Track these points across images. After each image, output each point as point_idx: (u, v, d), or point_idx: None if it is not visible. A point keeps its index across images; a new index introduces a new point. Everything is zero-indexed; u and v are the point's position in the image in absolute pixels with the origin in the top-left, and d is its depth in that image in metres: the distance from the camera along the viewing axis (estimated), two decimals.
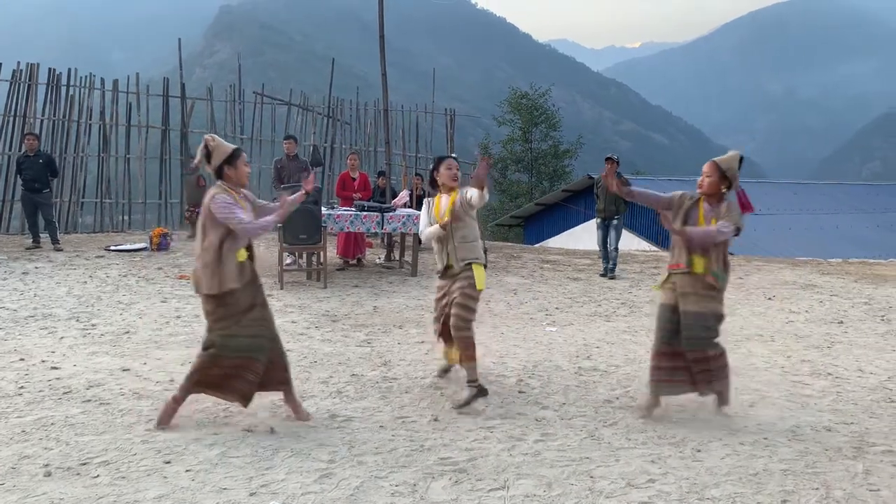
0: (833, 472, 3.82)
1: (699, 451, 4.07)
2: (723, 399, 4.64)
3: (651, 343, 4.78)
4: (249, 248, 4.29)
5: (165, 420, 4.19)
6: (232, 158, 4.21)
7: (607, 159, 10.69)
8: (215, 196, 4.12)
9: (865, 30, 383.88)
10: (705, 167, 4.60)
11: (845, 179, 51.54)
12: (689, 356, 4.50)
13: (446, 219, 4.75)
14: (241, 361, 4.14)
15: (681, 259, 4.57)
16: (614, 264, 10.73)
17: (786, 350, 6.50)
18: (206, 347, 4.19)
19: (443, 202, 4.89)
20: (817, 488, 3.61)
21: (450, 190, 4.88)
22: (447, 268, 4.87)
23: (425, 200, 5.05)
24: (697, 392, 4.59)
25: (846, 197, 33.28)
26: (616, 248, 10.75)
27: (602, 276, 10.73)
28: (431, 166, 5.01)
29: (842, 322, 7.86)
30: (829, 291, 9.81)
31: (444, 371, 5.32)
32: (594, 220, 11.40)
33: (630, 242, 23.64)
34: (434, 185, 5.00)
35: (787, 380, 5.56)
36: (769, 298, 9.17)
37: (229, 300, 4.13)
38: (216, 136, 4.31)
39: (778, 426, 4.49)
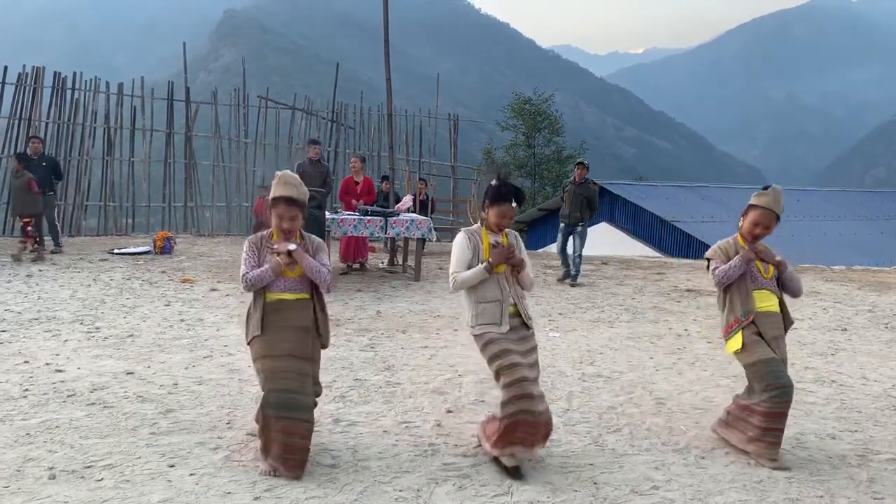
0: (837, 479, 3.81)
1: (703, 458, 4.06)
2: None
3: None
4: (314, 294, 3.87)
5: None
6: (273, 203, 3.80)
7: (578, 164, 10.71)
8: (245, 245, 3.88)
9: (868, 37, 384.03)
10: (763, 219, 4.10)
11: (848, 186, 51.54)
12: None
13: (501, 268, 3.86)
14: (284, 425, 3.64)
15: (747, 306, 4.09)
16: (577, 272, 10.37)
17: (789, 357, 6.47)
18: (262, 404, 3.75)
19: (491, 240, 3.97)
20: (821, 496, 3.60)
21: (499, 230, 4.00)
22: (516, 325, 3.87)
23: (467, 236, 3.96)
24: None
25: (849, 204, 33.27)
26: (580, 255, 10.42)
27: (560, 280, 10.43)
28: (484, 195, 4.02)
29: (846, 329, 7.85)
30: (833, 299, 9.80)
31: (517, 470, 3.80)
32: (598, 224, 11.37)
33: (633, 248, 23.63)
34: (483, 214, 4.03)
35: None
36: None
37: (268, 338, 3.74)
38: (289, 174, 3.84)
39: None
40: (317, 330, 3.86)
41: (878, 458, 4.14)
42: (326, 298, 3.96)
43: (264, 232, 3.92)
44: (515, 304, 3.87)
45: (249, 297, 3.87)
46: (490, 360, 3.78)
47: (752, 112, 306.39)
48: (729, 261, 4.14)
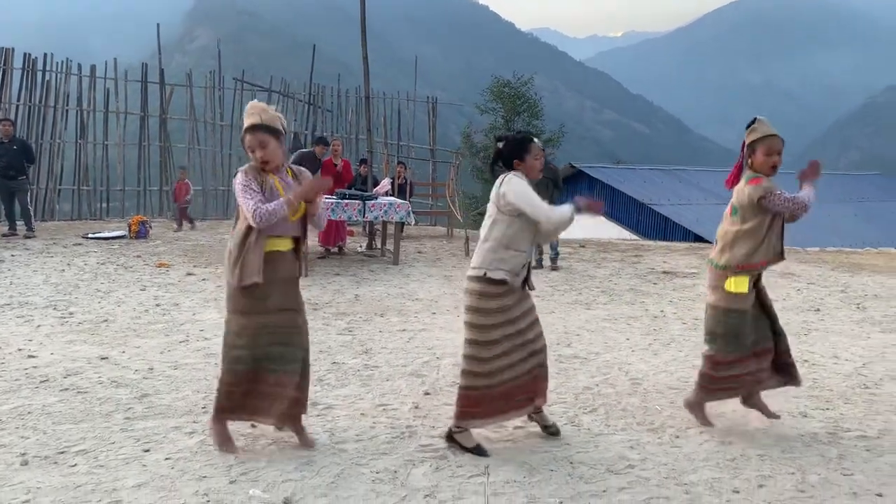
0: (808, 456, 3.88)
1: (678, 437, 4.11)
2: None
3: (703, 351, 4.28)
4: (297, 240, 3.74)
5: (223, 443, 3.71)
6: (242, 139, 3.66)
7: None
8: (236, 176, 3.64)
9: (843, 21, 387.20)
10: (773, 144, 4.01)
11: (823, 169, 52.09)
12: (781, 347, 4.20)
13: (581, 203, 3.84)
14: (279, 377, 3.63)
15: (780, 246, 4.03)
16: (556, 254, 10.30)
17: None
18: (225, 357, 3.69)
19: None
20: (793, 473, 3.66)
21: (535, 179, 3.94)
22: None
23: (522, 176, 3.84)
24: (792, 384, 4.30)
25: (824, 187, 33.39)
26: (557, 238, 10.22)
27: (535, 267, 10.19)
28: (510, 146, 3.90)
29: (818, 310, 7.96)
30: (807, 280, 9.93)
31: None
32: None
33: (611, 231, 23.77)
34: (508, 164, 3.92)
35: None
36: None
37: (259, 293, 3.59)
38: (252, 104, 3.69)
39: (755, 412, 4.54)
40: (298, 274, 3.79)
41: (848, 436, 4.21)
42: (305, 282, 3.89)
43: (253, 162, 3.66)
44: (530, 261, 3.89)
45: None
46: (471, 330, 3.76)
47: (730, 96, 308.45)
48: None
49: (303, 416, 3.82)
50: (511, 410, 3.86)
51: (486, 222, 3.83)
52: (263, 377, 3.66)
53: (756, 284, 4.15)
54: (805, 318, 7.54)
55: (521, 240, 3.77)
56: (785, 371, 4.27)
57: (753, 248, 4.00)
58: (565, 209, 3.73)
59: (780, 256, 4.08)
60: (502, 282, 3.71)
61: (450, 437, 3.86)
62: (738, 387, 4.21)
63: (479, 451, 3.76)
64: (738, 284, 4.03)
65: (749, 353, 4.14)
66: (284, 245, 3.68)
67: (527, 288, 3.91)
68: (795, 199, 3.97)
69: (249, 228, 3.55)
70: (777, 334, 4.24)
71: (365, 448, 3.82)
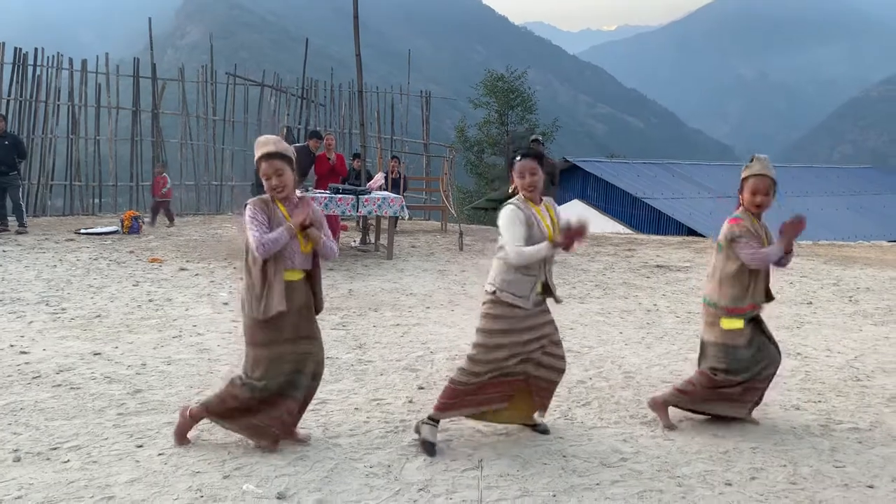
0: (800, 449, 3.89)
1: (670, 430, 4.12)
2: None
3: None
4: (312, 267, 3.74)
5: (181, 437, 3.75)
6: (256, 166, 3.64)
7: (533, 141, 10.68)
8: (245, 209, 3.64)
9: (836, 15, 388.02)
10: (758, 184, 3.99)
11: (816, 162, 52.28)
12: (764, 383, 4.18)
13: (558, 238, 3.65)
14: (273, 399, 3.64)
15: (761, 293, 4.08)
16: None
17: None
18: (235, 381, 3.68)
19: (545, 218, 3.83)
20: (785, 465, 3.68)
21: (537, 201, 3.85)
22: (545, 296, 3.91)
23: (523, 212, 3.73)
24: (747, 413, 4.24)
25: (816, 180, 33.78)
26: None
27: None
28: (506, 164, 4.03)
29: (811, 303, 7.99)
30: (799, 273, 9.96)
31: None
32: (570, 201, 11.40)
33: (605, 225, 23.80)
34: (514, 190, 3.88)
35: None
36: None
37: (276, 324, 3.59)
38: (263, 137, 3.69)
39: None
40: (315, 303, 3.78)
41: (840, 428, 4.23)
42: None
43: (265, 196, 3.69)
44: (546, 280, 3.83)
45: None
46: (478, 335, 3.77)
47: (723, 89, 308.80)
48: (755, 238, 3.99)
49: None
50: (482, 404, 3.83)
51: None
52: (279, 404, 3.63)
53: (754, 317, 4.13)
54: (798, 311, 7.56)
55: (533, 264, 3.75)
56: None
57: (740, 293, 4.04)
58: (542, 247, 3.65)
59: (767, 298, 4.12)
60: (513, 305, 3.73)
61: (418, 427, 3.84)
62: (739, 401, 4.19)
63: (430, 450, 3.71)
64: (733, 323, 4.06)
65: (757, 377, 4.13)
66: (296, 276, 3.67)
67: (546, 303, 3.89)
68: (756, 254, 3.96)
69: (266, 265, 3.56)
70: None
71: (359, 442, 3.82)
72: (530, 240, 3.69)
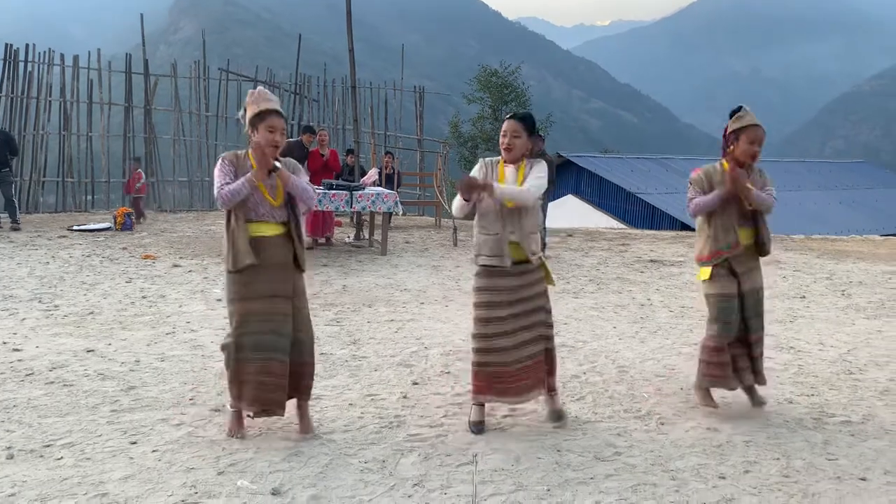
0: (794, 442, 3.91)
1: (664, 424, 4.13)
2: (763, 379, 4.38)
3: (703, 335, 4.35)
4: (287, 225, 3.71)
5: (235, 428, 3.76)
6: (261, 117, 3.62)
7: (535, 135, 10.65)
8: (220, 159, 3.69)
9: (828, 10, 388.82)
10: (756, 134, 4.06)
11: (808, 157, 52.43)
12: (752, 338, 4.22)
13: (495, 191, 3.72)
14: (259, 365, 3.63)
15: (728, 239, 4.12)
16: (544, 244, 10.34)
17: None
18: (224, 345, 3.72)
19: (508, 173, 3.92)
20: (778, 458, 3.70)
21: (514, 160, 3.93)
22: (520, 262, 3.90)
23: (484, 161, 4.02)
24: (756, 382, 4.32)
25: (809, 174, 33.89)
26: (545, 228, 10.26)
27: None
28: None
29: (804, 297, 8.02)
30: (793, 267, 10.00)
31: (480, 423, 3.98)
32: (563, 197, 11.38)
33: (598, 220, 23.84)
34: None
35: None
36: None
37: (245, 279, 3.61)
38: (264, 91, 3.76)
39: (741, 399, 4.57)
40: (295, 261, 3.75)
41: (832, 421, 4.25)
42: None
43: (239, 151, 3.73)
44: (517, 241, 3.86)
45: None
46: (473, 303, 3.92)
47: (716, 84, 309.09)
48: (710, 190, 4.13)
49: (308, 402, 3.87)
50: (510, 395, 3.93)
51: None
52: (246, 365, 3.66)
53: (734, 270, 4.18)
54: (791, 305, 7.59)
55: (488, 222, 3.87)
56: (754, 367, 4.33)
57: (703, 242, 4.22)
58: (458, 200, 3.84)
59: (733, 246, 4.14)
60: (485, 266, 3.88)
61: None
62: (725, 376, 4.24)
63: (472, 427, 3.91)
64: (702, 273, 4.25)
65: (733, 339, 4.21)
66: (271, 230, 3.67)
67: (537, 273, 3.96)
68: (690, 203, 4.19)
69: (229, 214, 3.63)
70: (747, 327, 4.25)
71: (353, 438, 3.82)
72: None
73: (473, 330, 3.91)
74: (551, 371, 4.05)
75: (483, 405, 3.98)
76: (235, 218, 3.60)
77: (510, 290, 3.86)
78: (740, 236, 4.16)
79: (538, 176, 3.87)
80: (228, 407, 3.82)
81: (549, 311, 4.03)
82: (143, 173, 13.50)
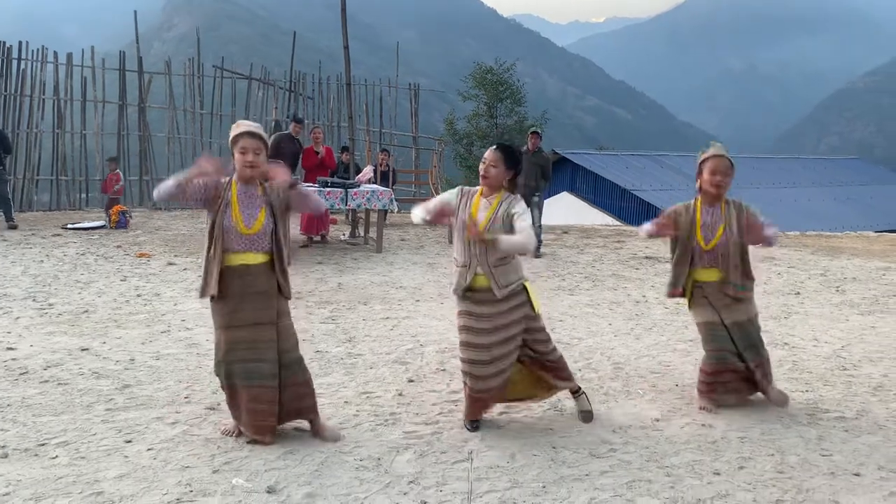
0: (788, 438, 3.92)
1: (659, 420, 4.14)
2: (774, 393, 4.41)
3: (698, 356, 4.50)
4: (272, 256, 3.68)
5: (233, 432, 3.79)
6: (234, 142, 3.66)
7: (532, 132, 10.65)
8: None
9: (823, 7, 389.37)
10: (717, 164, 4.16)
11: (803, 154, 52.53)
12: (751, 366, 4.27)
13: (486, 235, 3.70)
14: (250, 393, 3.62)
15: (678, 282, 4.31)
16: (539, 242, 10.24)
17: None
18: (216, 372, 3.74)
19: (481, 211, 3.84)
20: (773, 454, 3.71)
21: (490, 188, 3.89)
22: (475, 290, 3.84)
23: (462, 190, 3.99)
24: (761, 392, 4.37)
25: (804, 171, 33.96)
26: (540, 226, 10.26)
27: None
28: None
29: (798, 293, 8.04)
30: (787, 263, 10.02)
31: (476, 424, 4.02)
32: (559, 194, 11.35)
33: (594, 217, 23.85)
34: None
35: None
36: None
37: (229, 308, 3.61)
38: (242, 121, 3.82)
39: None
40: (279, 290, 3.71)
41: (826, 417, 4.26)
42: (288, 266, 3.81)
43: (223, 178, 3.68)
44: (485, 274, 3.78)
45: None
46: (457, 327, 3.96)
47: (711, 81, 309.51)
48: (676, 225, 4.28)
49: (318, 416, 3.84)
50: (504, 402, 4.08)
51: None
52: (239, 393, 3.66)
53: (711, 300, 4.28)
54: (785, 301, 7.61)
55: (458, 254, 3.90)
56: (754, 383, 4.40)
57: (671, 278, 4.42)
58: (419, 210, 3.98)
59: (679, 291, 4.34)
60: (459, 307, 3.92)
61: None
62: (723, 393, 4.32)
63: (468, 425, 3.97)
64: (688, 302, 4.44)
65: (730, 365, 4.26)
66: (254, 259, 3.63)
67: (513, 300, 3.84)
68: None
69: (209, 244, 3.63)
70: (743, 358, 4.28)
71: (349, 436, 3.82)
72: (456, 224, 3.91)
73: (460, 354, 3.95)
74: (561, 376, 4.03)
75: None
76: (215, 248, 3.61)
77: (488, 317, 3.81)
78: (702, 274, 4.28)
79: (523, 218, 3.75)
80: (233, 420, 3.79)
81: (540, 330, 3.94)
82: (121, 174, 13.34)
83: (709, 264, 4.26)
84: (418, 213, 3.94)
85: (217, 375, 3.74)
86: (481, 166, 3.88)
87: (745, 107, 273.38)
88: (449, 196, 3.97)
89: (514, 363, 3.92)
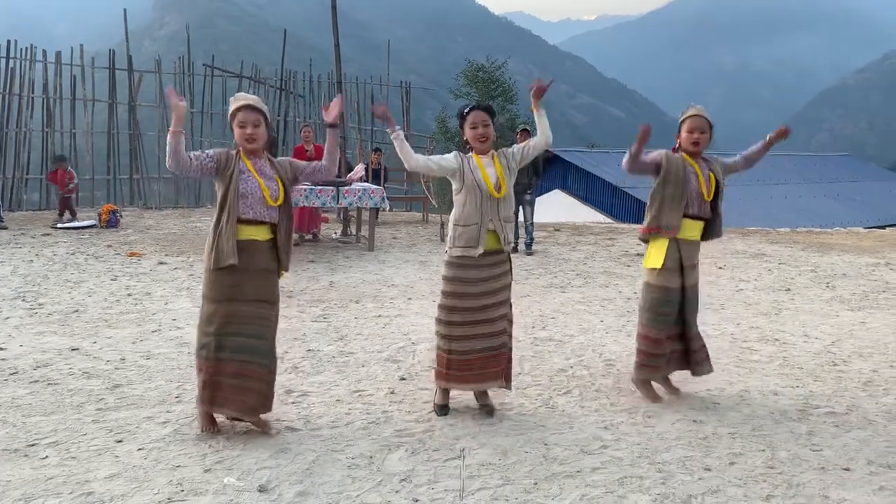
0: (778, 433, 3.94)
1: (650, 416, 4.15)
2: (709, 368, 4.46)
3: (638, 327, 4.44)
4: (275, 230, 3.71)
5: (207, 425, 3.75)
6: (232, 116, 3.68)
7: (521, 130, 10.63)
8: None
9: (814, 4, 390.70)
10: (697, 123, 4.24)
11: (794, 150, 52.72)
12: (690, 334, 4.33)
13: (502, 191, 3.94)
14: (238, 368, 3.62)
15: (671, 221, 4.20)
16: (531, 239, 10.26)
17: (735, 317, 6.66)
18: (204, 343, 3.65)
19: (487, 168, 3.97)
20: (763, 450, 3.72)
21: (483, 152, 4.02)
22: (492, 252, 3.97)
23: (458, 154, 4.05)
24: (693, 372, 4.42)
25: (795, 167, 34.09)
26: (532, 223, 10.28)
27: (512, 252, 10.10)
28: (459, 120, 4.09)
29: (789, 289, 8.07)
30: (778, 260, 10.06)
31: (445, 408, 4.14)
32: (551, 191, 11.36)
33: (585, 215, 23.89)
34: (466, 144, 4.09)
35: (737, 346, 5.70)
36: (720, 268, 9.36)
37: (232, 280, 3.60)
38: (241, 93, 3.85)
39: (727, 391, 4.61)
40: (279, 266, 3.77)
41: (816, 412, 4.28)
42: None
43: (231, 151, 3.72)
44: (496, 229, 3.95)
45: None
46: (442, 291, 4.03)
47: (703, 78, 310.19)
48: (665, 166, 4.27)
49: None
50: (472, 381, 4.03)
51: None
52: (225, 368, 3.63)
53: (683, 264, 4.26)
54: (776, 297, 7.64)
55: (469, 213, 3.93)
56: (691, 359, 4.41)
57: (649, 215, 4.35)
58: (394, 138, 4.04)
59: (673, 229, 4.23)
60: (457, 257, 3.96)
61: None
62: (660, 366, 4.35)
63: (437, 410, 4.08)
64: (652, 259, 4.27)
65: (671, 332, 4.31)
66: (261, 234, 3.67)
67: (505, 265, 4.04)
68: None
69: (221, 213, 3.61)
70: (685, 323, 4.34)
71: (341, 434, 3.81)
72: (465, 187, 3.93)
73: (438, 315, 4.02)
74: (507, 368, 4.12)
75: (448, 390, 4.10)
76: (228, 216, 3.58)
77: (479, 281, 3.96)
78: (686, 228, 4.25)
79: (517, 148, 4.11)
80: (196, 408, 3.78)
81: (511, 306, 4.12)
82: (74, 173, 12.84)
83: (699, 214, 4.26)
84: (421, 158, 4.01)
85: (201, 349, 3.64)
86: (475, 131, 3.96)
87: (736, 104, 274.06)
88: (450, 157, 4.01)
89: (498, 333, 3.99)
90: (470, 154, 4.04)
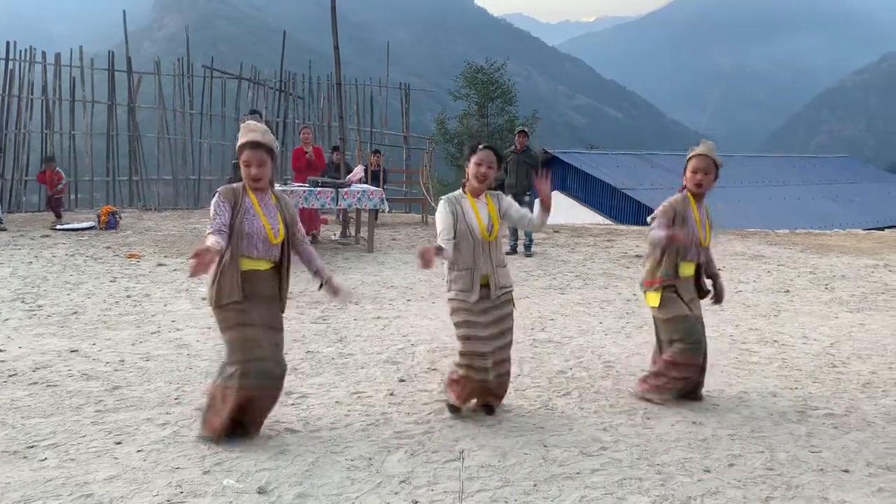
0: (777, 435, 3.94)
1: (649, 418, 4.16)
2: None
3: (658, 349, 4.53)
4: (280, 260, 3.75)
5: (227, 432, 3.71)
6: (238, 152, 3.64)
7: (519, 132, 10.60)
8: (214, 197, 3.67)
9: (813, 5, 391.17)
10: (701, 164, 4.26)
11: (793, 152, 52.83)
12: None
13: (494, 233, 4.01)
14: (260, 393, 3.64)
15: (669, 269, 4.31)
16: (531, 241, 10.24)
17: (734, 319, 6.66)
18: (230, 374, 3.60)
19: (481, 210, 4.01)
20: (762, 451, 3.73)
21: (477, 193, 4.06)
22: (484, 296, 4.01)
23: (448, 199, 4.06)
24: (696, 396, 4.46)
25: (794, 169, 34.13)
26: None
27: (510, 253, 10.06)
28: (467, 152, 4.13)
29: (788, 291, 8.08)
30: (777, 261, 10.07)
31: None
32: (550, 193, 11.28)
33: (585, 216, 23.90)
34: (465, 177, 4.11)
35: (736, 348, 5.70)
36: (719, 269, 9.34)
37: (241, 307, 3.58)
38: (251, 123, 3.73)
39: (726, 393, 4.62)
40: (279, 297, 3.78)
41: (816, 414, 4.29)
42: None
43: (236, 185, 3.71)
44: (487, 274, 3.98)
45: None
46: (455, 326, 4.04)
47: (702, 79, 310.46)
48: (673, 220, 4.27)
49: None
50: (485, 396, 4.15)
51: None
52: (248, 395, 3.59)
53: (681, 294, 4.33)
54: (775, 299, 7.64)
55: (464, 258, 3.99)
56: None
57: (651, 267, 4.40)
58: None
59: (671, 276, 4.32)
60: (458, 300, 3.99)
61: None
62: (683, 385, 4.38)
63: (450, 408, 4.14)
64: (650, 299, 4.40)
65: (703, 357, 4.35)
66: (262, 265, 3.68)
67: (501, 298, 4.05)
68: (653, 234, 4.30)
69: (224, 249, 3.57)
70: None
71: (340, 436, 3.82)
72: (458, 231, 3.96)
73: (460, 348, 4.01)
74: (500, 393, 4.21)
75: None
76: (230, 254, 3.56)
77: (484, 311, 3.98)
78: (681, 268, 4.33)
79: (515, 206, 4.15)
80: (203, 429, 3.73)
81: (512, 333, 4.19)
82: (62, 173, 12.79)
83: (693, 258, 4.36)
84: (447, 248, 3.95)
85: (228, 380, 3.57)
86: (479, 168, 3.98)
87: (735, 105, 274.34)
88: (447, 214, 3.99)
89: (508, 358, 4.09)
90: (463, 195, 4.06)
